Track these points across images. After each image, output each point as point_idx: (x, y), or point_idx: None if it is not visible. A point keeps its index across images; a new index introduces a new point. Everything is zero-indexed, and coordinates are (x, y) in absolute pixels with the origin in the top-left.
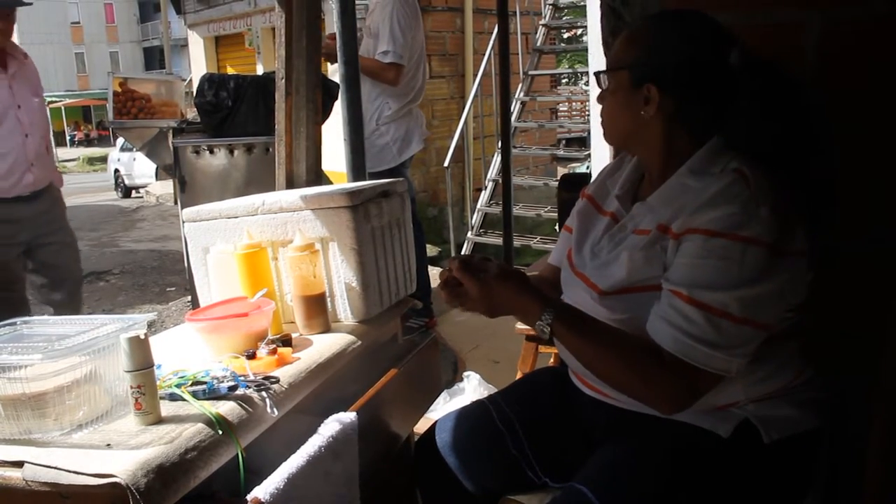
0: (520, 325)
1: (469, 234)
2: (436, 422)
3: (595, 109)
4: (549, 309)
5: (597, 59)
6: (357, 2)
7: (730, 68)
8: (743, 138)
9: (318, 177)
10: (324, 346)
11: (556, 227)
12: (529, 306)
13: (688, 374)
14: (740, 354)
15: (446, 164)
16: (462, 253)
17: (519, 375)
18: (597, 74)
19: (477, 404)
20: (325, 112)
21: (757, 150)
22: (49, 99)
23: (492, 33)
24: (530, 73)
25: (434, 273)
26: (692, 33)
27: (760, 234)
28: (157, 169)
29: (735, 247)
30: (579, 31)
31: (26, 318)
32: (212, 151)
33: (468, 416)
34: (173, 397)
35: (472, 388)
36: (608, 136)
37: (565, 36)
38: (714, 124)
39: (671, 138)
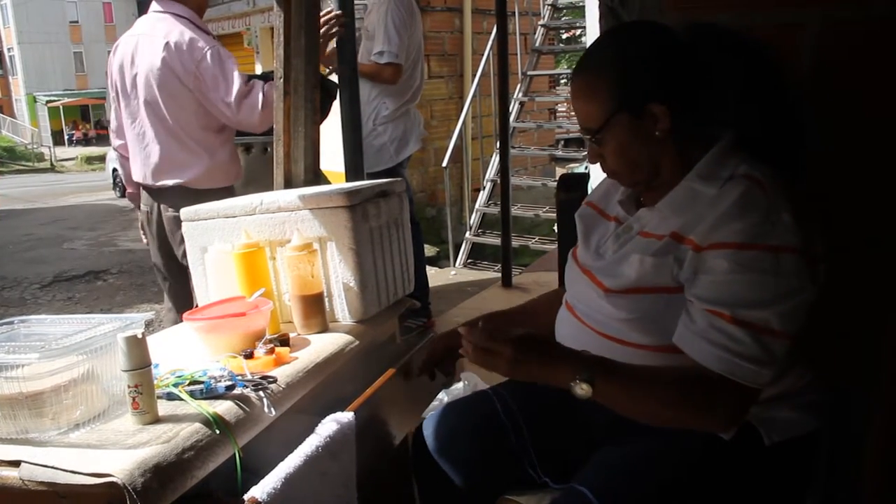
0: None
1: (467, 234)
2: (429, 416)
3: None
4: (585, 369)
5: None
6: (356, 2)
7: (702, 55)
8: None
9: (316, 176)
10: (321, 345)
11: (555, 228)
12: (560, 372)
13: (737, 392)
14: (777, 368)
15: (445, 164)
16: (461, 253)
17: None
18: (592, 140)
19: (481, 395)
20: (324, 112)
21: (758, 141)
22: (47, 98)
23: (490, 34)
24: (529, 73)
25: (433, 273)
26: (645, 38)
27: (788, 240)
28: None
29: (767, 258)
30: (578, 32)
31: (23, 318)
32: None
33: (472, 407)
34: (171, 397)
35: (469, 389)
36: (634, 181)
37: (564, 36)
38: (714, 121)
39: (681, 146)
